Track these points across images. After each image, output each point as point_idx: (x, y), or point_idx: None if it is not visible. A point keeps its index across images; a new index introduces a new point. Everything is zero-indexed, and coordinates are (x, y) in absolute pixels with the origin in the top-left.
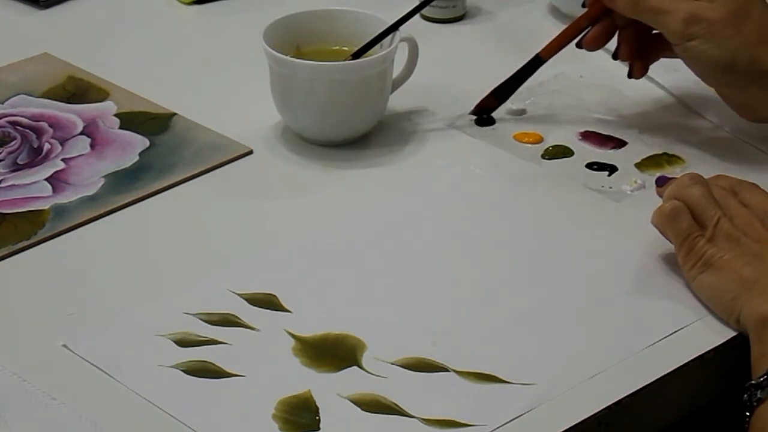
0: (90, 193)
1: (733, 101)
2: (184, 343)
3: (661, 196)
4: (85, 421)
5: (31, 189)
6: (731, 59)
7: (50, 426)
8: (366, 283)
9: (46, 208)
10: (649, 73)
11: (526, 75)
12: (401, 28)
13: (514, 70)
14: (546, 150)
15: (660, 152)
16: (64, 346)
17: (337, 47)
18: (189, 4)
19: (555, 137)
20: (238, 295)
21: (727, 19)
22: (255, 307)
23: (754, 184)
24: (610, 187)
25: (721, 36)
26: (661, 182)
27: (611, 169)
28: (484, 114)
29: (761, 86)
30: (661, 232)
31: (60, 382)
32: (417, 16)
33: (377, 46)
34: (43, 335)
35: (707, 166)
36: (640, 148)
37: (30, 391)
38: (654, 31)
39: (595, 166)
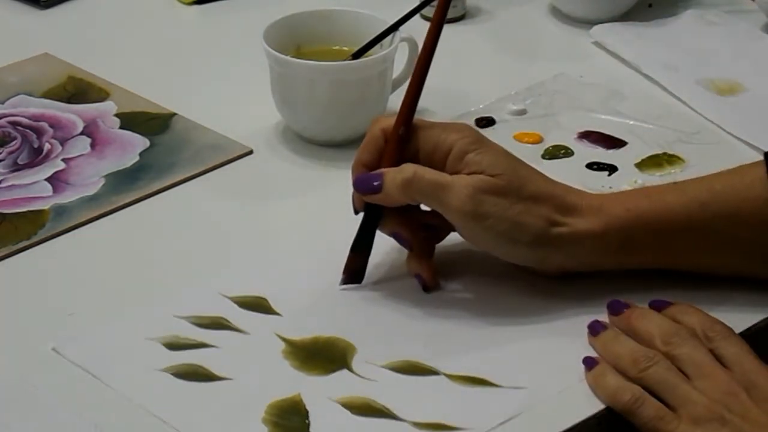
0: (90, 193)
1: (524, 260)
2: (173, 346)
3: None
4: (85, 421)
5: (32, 189)
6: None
7: (50, 426)
8: (357, 285)
9: (46, 208)
10: (649, 72)
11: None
12: (401, 28)
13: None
14: (546, 150)
15: (660, 152)
16: (54, 349)
17: (337, 47)
18: (189, 4)
19: (555, 137)
20: (228, 298)
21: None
22: (245, 310)
23: (728, 327)
24: (610, 187)
25: (512, 209)
26: (615, 309)
27: (611, 169)
28: None
29: (548, 241)
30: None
31: (60, 382)
32: (417, 16)
33: (377, 46)
34: (44, 335)
35: (707, 166)
36: (640, 148)
37: (30, 391)
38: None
39: (595, 166)
